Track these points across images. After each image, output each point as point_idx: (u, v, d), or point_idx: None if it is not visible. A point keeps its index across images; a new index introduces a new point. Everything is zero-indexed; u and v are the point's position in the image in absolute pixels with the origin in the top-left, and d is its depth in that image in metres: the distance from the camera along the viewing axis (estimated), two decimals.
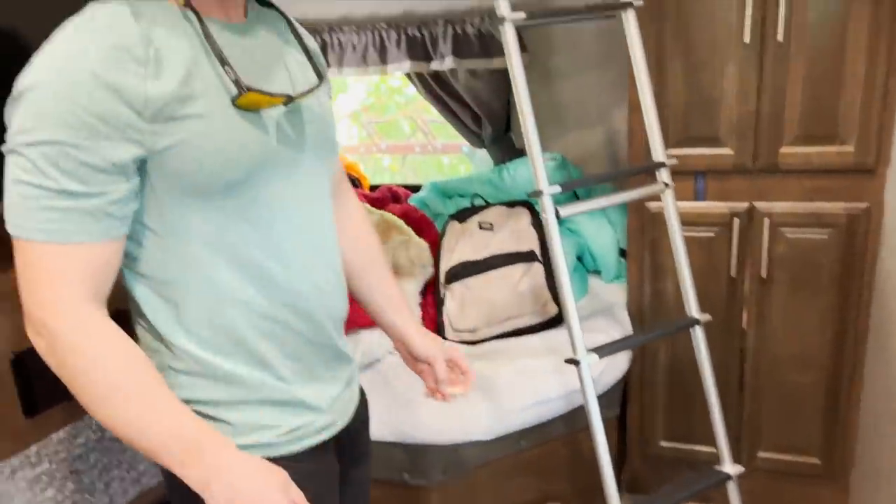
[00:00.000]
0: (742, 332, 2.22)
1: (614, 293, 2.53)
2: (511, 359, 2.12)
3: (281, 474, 0.92)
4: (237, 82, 0.88)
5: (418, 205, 2.88)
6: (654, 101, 1.73)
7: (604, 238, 2.63)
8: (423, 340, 1.27)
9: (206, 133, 0.87)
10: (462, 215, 2.58)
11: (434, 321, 2.35)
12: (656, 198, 1.96)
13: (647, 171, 1.77)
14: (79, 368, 0.84)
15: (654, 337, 1.90)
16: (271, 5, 1.06)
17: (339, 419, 1.11)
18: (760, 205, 2.11)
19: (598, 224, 2.63)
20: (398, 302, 1.28)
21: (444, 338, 2.30)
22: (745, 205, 2.13)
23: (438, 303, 2.37)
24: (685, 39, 2.04)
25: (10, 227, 0.83)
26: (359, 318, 2.14)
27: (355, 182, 3.19)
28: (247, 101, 0.89)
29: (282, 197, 0.97)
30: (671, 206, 1.71)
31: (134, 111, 0.82)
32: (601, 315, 2.37)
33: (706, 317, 1.74)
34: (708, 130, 2.09)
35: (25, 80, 0.82)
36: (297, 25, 1.09)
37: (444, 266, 2.41)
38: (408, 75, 3.02)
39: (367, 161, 4.34)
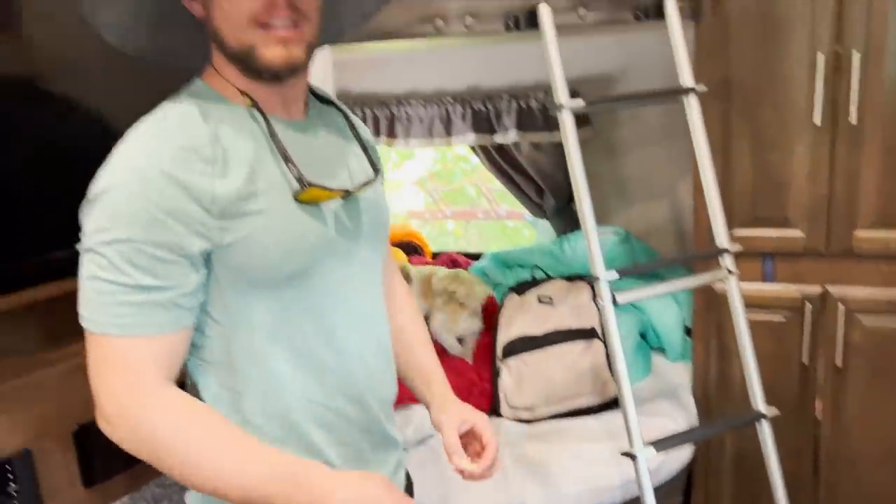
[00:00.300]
0: (816, 423, 2.10)
1: (679, 373, 2.44)
2: (568, 441, 2.05)
3: (380, 476, 0.94)
4: (300, 178, 0.91)
5: (478, 274, 2.88)
6: (717, 185, 1.69)
7: (668, 315, 2.55)
8: (435, 406, 1.18)
9: (268, 227, 0.90)
10: (521, 288, 2.56)
11: (489, 395, 2.32)
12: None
13: (710, 257, 1.72)
14: (163, 443, 0.85)
15: (717, 431, 1.81)
16: (330, 102, 1.10)
17: None
18: (834, 289, 2.01)
19: (662, 300, 2.56)
20: (426, 372, 1.23)
21: (499, 414, 2.26)
22: (817, 289, 2.04)
23: (494, 376, 2.34)
24: (752, 120, 2.00)
25: (85, 322, 0.86)
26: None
27: (417, 249, 3.23)
28: (308, 196, 0.92)
29: (339, 286, 1.00)
30: (735, 294, 1.66)
31: (202, 208, 0.85)
32: (665, 398, 2.29)
33: (773, 411, 1.65)
34: (776, 212, 2.03)
35: (101, 182, 0.86)
36: (354, 119, 1.12)
37: (502, 340, 2.39)
38: (472, 147, 3.07)
39: (431, 226, 4.40)
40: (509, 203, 3.84)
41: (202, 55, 0.99)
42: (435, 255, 3.26)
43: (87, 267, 0.85)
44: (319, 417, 0.99)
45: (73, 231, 0.90)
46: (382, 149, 3.37)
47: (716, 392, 2.20)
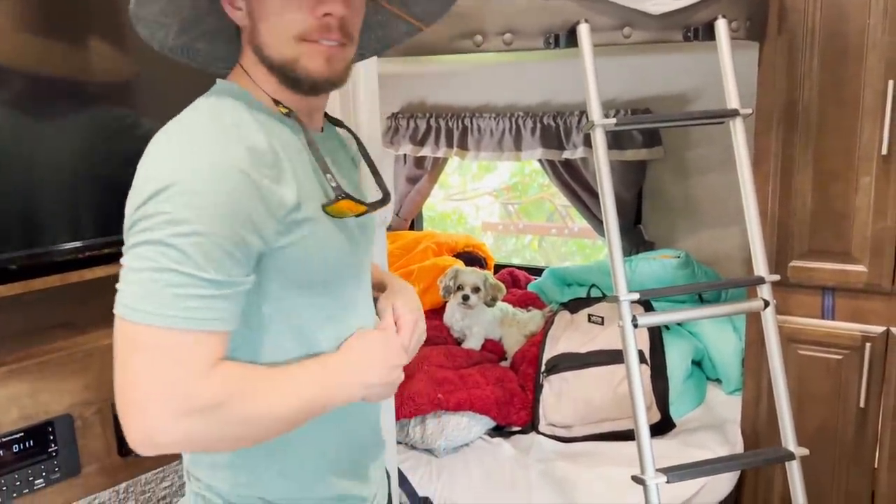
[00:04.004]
0: (873, 472, 1.97)
1: (733, 407, 2.34)
2: (600, 464, 2.02)
3: (371, 331, 1.02)
4: (337, 188, 0.93)
5: (535, 291, 2.87)
6: (758, 212, 1.64)
7: (725, 344, 2.46)
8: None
9: (315, 235, 0.93)
10: (574, 306, 2.55)
11: (530, 408, 2.31)
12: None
13: (746, 285, 1.66)
14: (233, 411, 0.85)
15: (739, 466, 1.74)
16: (341, 124, 1.14)
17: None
18: None
19: (719, 328, 2.47)
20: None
21: (538, 431, 2.26)
22: (880, 329, 1.92)
23: (537, 390, 2.33)
24: (815, 148, 1.91)
25: (143, 316, 0.81)
26: (445, 402, 2.17)
27: (481, 261, 3.25)
28: (337, 208, 0.94)
29: (352, 298, 1.03)
30: (771, 327, 1.59)
31: (267, 210, 0.86)
32: (712, 430, 2.21)
33: (803, 451, 1.57)
34: (838, 245, 1.93)
35: (166, 173, 0.82)
36: (364, 144, 1.16)
37: (547, 355, 2.38)
38: (540, 162, 3.08)
39: (508, 239, 4.41)
40: (583, 220, 3.80)
41: (223, 58, 1.04)
42: (497, 269, 3.28)
43: (155, 259, 0.81)
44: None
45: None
46: (455, 160, 3.43)
47: (766, 428, 2.11)
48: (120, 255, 0.88)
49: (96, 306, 1.57)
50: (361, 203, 0.96)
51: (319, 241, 0.93)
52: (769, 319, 1.59)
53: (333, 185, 0.93)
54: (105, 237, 1.47)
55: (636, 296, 1.49)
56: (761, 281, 1.58)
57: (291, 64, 0.92)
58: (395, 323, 1.07)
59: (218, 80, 0.99)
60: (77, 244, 1.43)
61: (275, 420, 0.89)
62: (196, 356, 0.83)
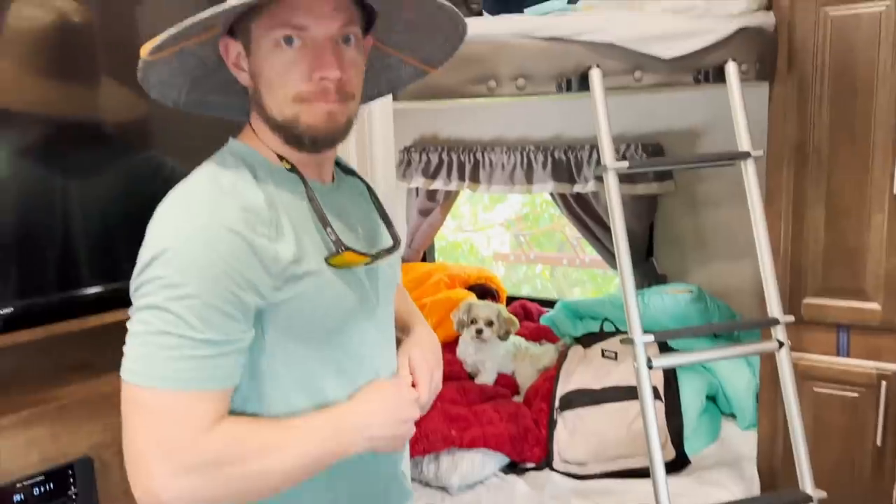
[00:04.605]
0: None
1: (749, 443, 2.32)
2: (613, 502, 2.01)
3: (385, 382, 1.03)
4: (337, 242, 0.95)
5: (548, 324, 2.87)
6: (770, 252, 1.65)
7: (739, 379, 2.44)
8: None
9: (317, 288, 0.94)
10: (587, 340, 2.55)
11: (544, 444, 2.30)
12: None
13: (760, 327, 1.66)
14: (240, 471, 0.88)
15: None
16: (354, 173, 1.17)
17: None
18: None
19: (733, 362, 2.46)
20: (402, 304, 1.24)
21: (552, 467, 2.25)
22: (894, 367, 1.91)
23: (550, 426, 2.32)
24: (827, 185, 1.92)
25: (139, 378, 0.85)
26: (459, 438, 2.17)
27: (493, 293, 3.26)
28: (341, 259, 0.96)
29: (364, 346, 1.04)
30: (786, 367, 1.59)
31: (263, 268, 0.88)
32: (727, 467, 2.20)
33: (821, 493, 1.56)
34: (852, 282, 1.93)
35: (161, 241, 0.86)
36: (375, 192, 1.17)
37: (560, 391, 2.38)
38: (551, 194, 3.10)
39: (519, 269, 4.41)
40: (594, 251, 3.81)
41: (238, 107, 1.05)
42: (510, 300, 3.28)
43: (151, 323, 0.85)
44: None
45: None
46: (467, 192, 3.46)
47: (782, 467, 2.09)
48: None
49: (114, 348, 1.59)
50: (363, 254, 0.98)
51: (322, 295, 0.95)
52: (784, 360, 1.59)
53: (333, 238, 0.95)
54: (124, 281, 1.49)
55: (651, 338, 1.50)
56: (776, 322, 1.58)
57: (293, 122, 0.94)
58: (412, 375, 1.07)
59: (230, 139, 1.02)
60: (98, 289, 1.46)
61: (280, 475, 0.91)
62: (194, 415, 0.86)
